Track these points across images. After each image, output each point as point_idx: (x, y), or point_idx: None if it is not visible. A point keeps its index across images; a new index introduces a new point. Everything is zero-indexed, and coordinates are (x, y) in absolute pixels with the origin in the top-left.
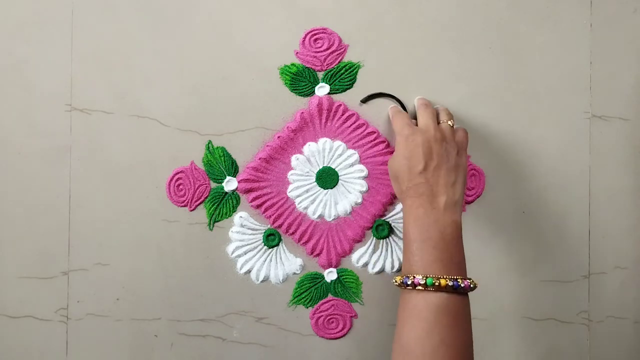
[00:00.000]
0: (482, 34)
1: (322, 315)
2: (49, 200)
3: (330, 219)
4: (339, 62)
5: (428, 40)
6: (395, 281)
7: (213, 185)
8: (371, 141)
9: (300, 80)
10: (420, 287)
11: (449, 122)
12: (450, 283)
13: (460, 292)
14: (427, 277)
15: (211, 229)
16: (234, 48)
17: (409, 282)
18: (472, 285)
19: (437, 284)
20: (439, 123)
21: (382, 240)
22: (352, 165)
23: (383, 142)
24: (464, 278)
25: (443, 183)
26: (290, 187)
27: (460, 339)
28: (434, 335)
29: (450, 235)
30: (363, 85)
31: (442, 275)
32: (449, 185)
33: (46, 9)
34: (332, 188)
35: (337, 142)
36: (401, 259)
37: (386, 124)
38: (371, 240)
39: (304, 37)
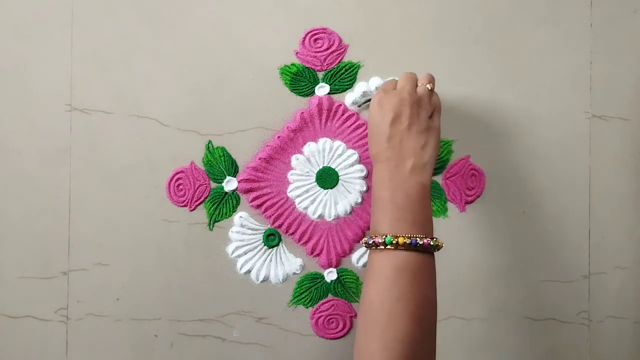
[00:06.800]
0: (482, 34)
1: (322, 315)
2: (49, 200)
3: (330, 219)
4: (339, 62)
5: (428, 40)
6: (363, 242)
7: (213, 185)
8: None
9: (300, 80)
10: (381, 247)
11: (428, 86)
12: (408, 241)
13: (420, 250)
14: (386, 236)
15: (211, 229)
16: (234, 48)
17: (371, 242)
18: (432, 244)
19: (395, 242)
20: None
21: None
22: (352, 165)
23: None
24: (425, 237)
25: (411, 146)
26: (290, 187)
27: (420, 295)
28: (393, 291)
29: (415, 196)
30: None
31: (403, 234)
32: (418, 148)
33: (46, 9)
34: (332, 188)
35: (337, 142)
36: None
37: None
38: None
39: (304, 37)
